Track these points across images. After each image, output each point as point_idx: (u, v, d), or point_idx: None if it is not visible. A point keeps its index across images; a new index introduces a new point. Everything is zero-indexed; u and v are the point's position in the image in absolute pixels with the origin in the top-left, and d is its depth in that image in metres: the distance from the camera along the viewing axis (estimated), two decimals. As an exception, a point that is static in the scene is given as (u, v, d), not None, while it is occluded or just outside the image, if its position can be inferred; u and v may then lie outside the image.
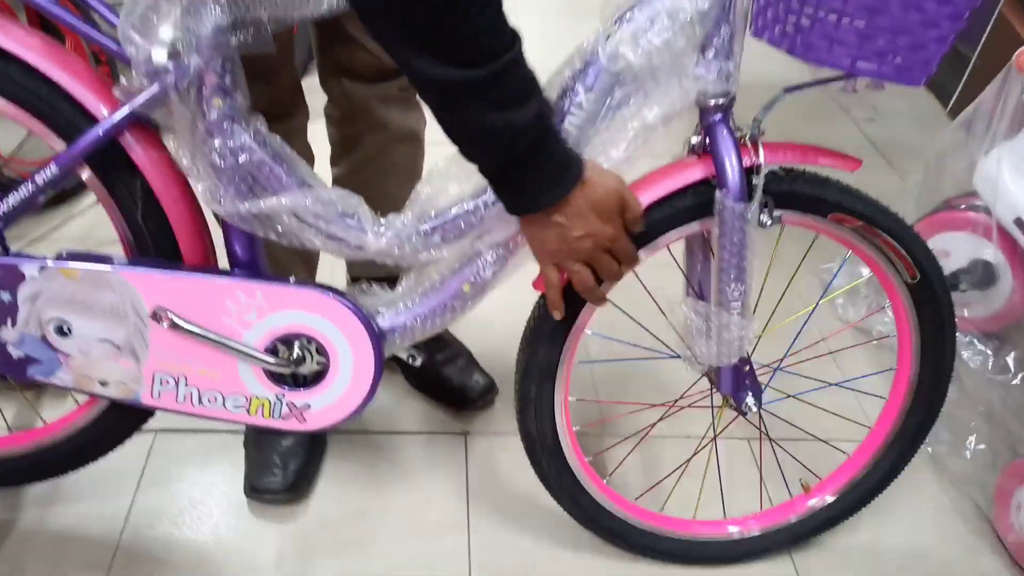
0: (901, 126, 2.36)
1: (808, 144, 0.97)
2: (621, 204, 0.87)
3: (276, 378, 0.99)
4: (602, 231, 0.85)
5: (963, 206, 1.51)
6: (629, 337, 1.19)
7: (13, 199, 0.89)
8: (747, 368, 1.05)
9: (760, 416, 1.10)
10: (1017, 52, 1.27)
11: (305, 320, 0.96)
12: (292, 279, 0.97)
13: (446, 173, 0.97)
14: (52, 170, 0.87)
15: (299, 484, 1.23)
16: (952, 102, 2.42)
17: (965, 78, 2.36)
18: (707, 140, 0.94)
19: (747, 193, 0.92)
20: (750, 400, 1.05)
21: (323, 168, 1.33)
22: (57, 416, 1.11)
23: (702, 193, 0.95)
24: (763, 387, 1.07)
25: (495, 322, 1.32)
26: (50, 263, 0.90)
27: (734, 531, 1.18)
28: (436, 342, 1.43)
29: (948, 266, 1.52)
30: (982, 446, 1.36)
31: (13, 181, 1.66)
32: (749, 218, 0.92)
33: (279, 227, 0.93)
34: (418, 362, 1.18)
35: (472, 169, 0.98)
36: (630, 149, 0.90)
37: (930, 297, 1.03)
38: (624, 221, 0.88)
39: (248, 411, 1.00)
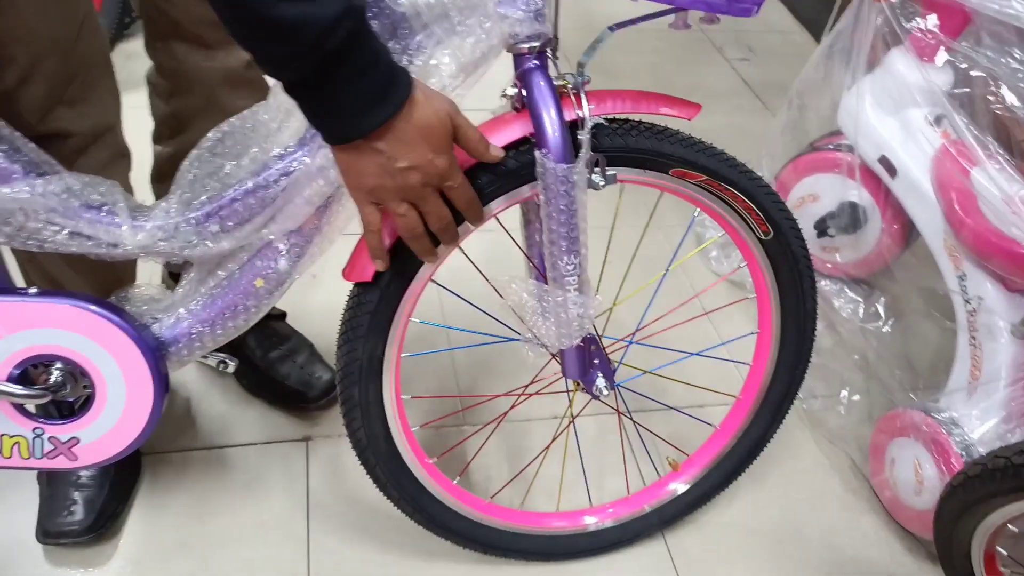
0: (775, 65, 2.30)
1: (641, 90, 0.84)
2: (454, 131, 0.71)
3: (33, 410, 0.81)
4: (432, 163, 0.70)
5: (829, 146, 1.44)
6: (468, 322, 1.06)
7: None
8: (594, 347, 0.93)
9: (619, 396, 0.99)
10: (869, -24, 1.18)
11: (55, 339, 0.79)
12: (32, 290, 0.79)
13: (217, 147, 0.81)
14: None
15: (102, 521, 1.06)
16: (825, 35, 2.37)
17: (836, 10, 2.30)
18: (524, 91, 0.80)
19: (572, 152, 0.79)
20: (601, 382, 0.94)
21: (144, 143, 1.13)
22: None
23: (525, 154, 0.81)
24: (616, 364, 0.96)
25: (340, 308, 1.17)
26: None
27: (591, 522, 1.08)
28: (271, 336, 1.27)
29: (817, 210, 1.45)
30: (856, 397, 1.31)
31: None
32: (576, 180, 0.79)
33: (5, 227, 0.75)
34: (230, 368, 1.01)
35: (247, 143, 0.82)
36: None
37: (785, 253, 0.93)
38: (469, 153, 0.74)
39: (1, 453, 0.83)
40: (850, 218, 1.40)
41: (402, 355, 0.93)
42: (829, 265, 1.46)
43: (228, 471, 1.16)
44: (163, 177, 1.13)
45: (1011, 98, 1.13)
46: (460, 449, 1.19)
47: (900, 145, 1.28)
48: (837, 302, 1.40)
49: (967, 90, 1.19)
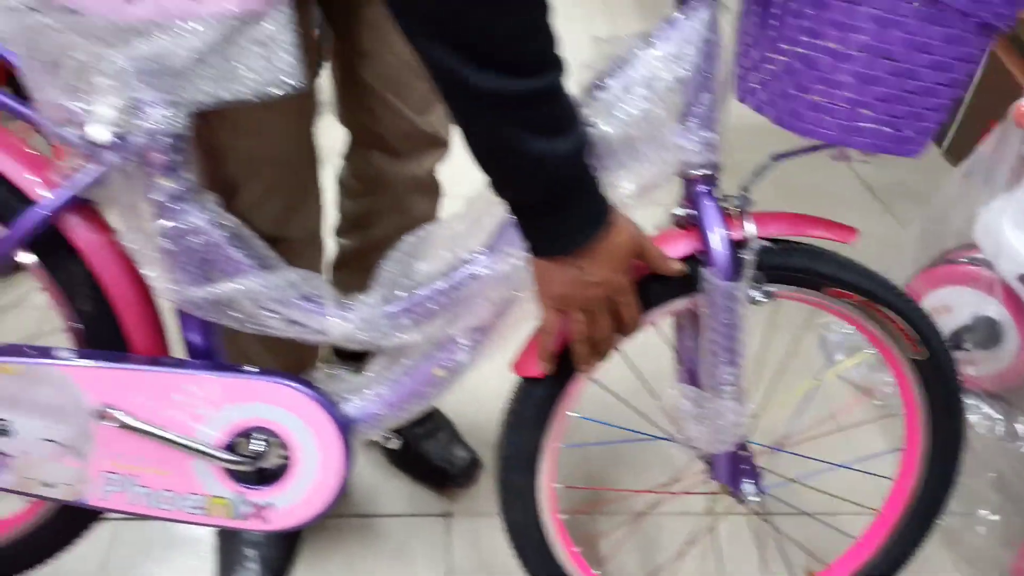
0: (897, 168, 2.31)
1: (799, 214, 0.91)
2: (638, 253, 0.80)
3: (236, 475, 0.91)
4: (614, 280, 0.78)
5: (964, 259, 1.45)
6: (618, 418, 1.12)
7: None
8: (744, 453, 0.98)
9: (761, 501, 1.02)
10: (1015, 105, 1.22)
11: (264, 412, 0.89)
12: (249, 368, 0.90)
13: (412, 250, 0.91)
14: (-13, 259, 0.81)
15: (274, 580, 1.15)
16: (948, 142, 2.39)
17: (960, 118, 2.32)
18: (692, 212, 0.88)
19: (736, 269, 0.86)
20: (748, 488, 0.98)
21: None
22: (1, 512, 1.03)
23: (689, 268, 0.89)
24: (763, 471, 1.00)
25: (479, 391, 1.25)
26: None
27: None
28: (417, 414, 1.36)
29: (950, 323, 1.46)
30: (996, 517, 1.28)
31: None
32: (739, 297, 0.86)
33: (236, 313, 0.87)
34: (394, 444, 1.10)
35: (440, 247, 0.93)
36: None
37: (938, 374, 0.96)
38: (652, 268, 0.83)
39: (207, 512, 0.93)
40: (987, 333, 1.40)
41: (559, 446, 0.99)
42: (964, 379, 1.45)
43: (377, 540, 1.24)
44: (343, 267, 1.26)
45: None
46: (597, 539, 1.23)
47: (1042, 264, 1.29)
48: (973, 417, 1.39)
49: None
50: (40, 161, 0.83)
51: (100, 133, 0.77)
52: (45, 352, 0.86)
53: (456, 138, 0.79)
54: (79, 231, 0.84)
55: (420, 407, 0.95)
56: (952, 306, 1.46)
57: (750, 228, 0.87)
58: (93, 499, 0.91)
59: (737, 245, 0.87)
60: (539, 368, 0.89)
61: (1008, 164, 1.31)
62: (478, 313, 0.90)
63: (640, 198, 0.84)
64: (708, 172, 0.86)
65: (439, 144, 1.13)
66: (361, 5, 1.00)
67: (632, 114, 0.80)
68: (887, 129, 0.75)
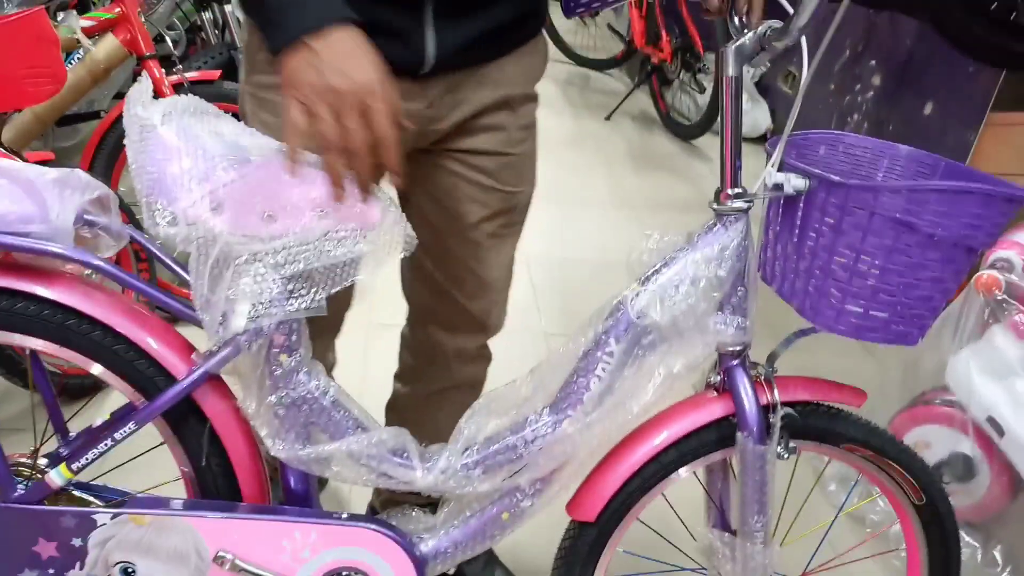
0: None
1: (818, 379, 1.07)
2: (379, 67, 0.83)
3: (327, 610, 1.02)
4: (361, 76, 0.81)
5: (938, 400, 1.63)
6: (653, 550, 1.24)
7: (92, 454, 0.94)
8: (770, 587, 1.11)
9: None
10: (975, 276, 1.43)
11: (354, 554, 1.01)
12: (344, 514, 1.02)
13: (485, 409, 1.05)
14: (131, 427, 0.93)
15: None
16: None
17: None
18: (725, 380, 1.04)
19: (765, 431, 1.01)
20: (774, 618, 1.11)
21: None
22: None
23: (723, 427, 1.04)
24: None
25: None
26: (122, 511, 0.94)
27: None
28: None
29: (929, 457, 1.62)
30: (983, 641, 1.42)
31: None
32: (769, 457, 1.01)
33: (334, 467, 0.99)
34: (451, 572, 1.21)
35: (509, 406, 1.06)
36: (657, 393, 1.00)
37: (936, 517, 1.11)
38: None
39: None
40: (963, 468, 1.57)
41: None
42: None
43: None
44: (395, 409, 1.41)
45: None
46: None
47: (1006, 408, 1.48)
48: (955, 545, 1.54)
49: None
50: (183, 344, 0.96)
51: (239, 323, 0.91)
52: (170, 504, 0.97)
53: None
54: (209, 401, 0.96)
55: (486, 547, 1.07)
56: (930, 443, 1.63)
57: (777, 395, 1.03)
58: (198, 634, 1.00)
59: (765, 409, 1.02)
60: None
61: (973, 320, 1.51)
62: (542, 467, 1.03)
63: (687, 373, 1.00)
64: (740, 348, 1.02)
65: (488, 328, 1.30)
66: (427, 217, 1.16)
67: (680, 308, 0.97)
68: (893, 327, 0.93)
